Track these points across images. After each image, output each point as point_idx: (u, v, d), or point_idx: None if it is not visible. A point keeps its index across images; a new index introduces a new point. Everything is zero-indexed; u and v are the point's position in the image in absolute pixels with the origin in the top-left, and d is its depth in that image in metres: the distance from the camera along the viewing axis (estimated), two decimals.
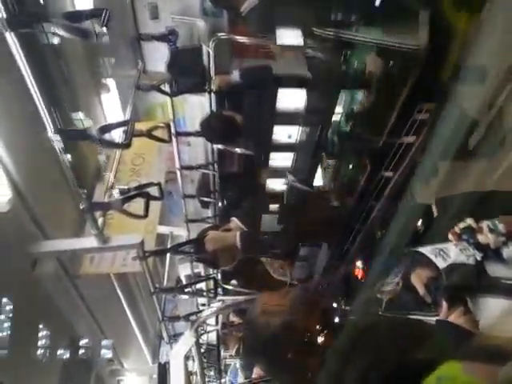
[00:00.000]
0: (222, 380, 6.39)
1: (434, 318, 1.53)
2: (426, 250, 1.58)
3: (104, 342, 4.50)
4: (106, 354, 4.67)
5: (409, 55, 2.94)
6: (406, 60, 3.00)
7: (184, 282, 5.85)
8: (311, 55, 3.37)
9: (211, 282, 3.84)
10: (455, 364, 0.85)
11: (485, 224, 1.48)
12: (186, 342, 3.13)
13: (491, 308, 1.41)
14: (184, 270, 6.27)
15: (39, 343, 3.10)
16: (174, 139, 3.57)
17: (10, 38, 1.44)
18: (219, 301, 3.59)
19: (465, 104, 3.21)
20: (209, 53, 3.52)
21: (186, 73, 3.71)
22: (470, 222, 1.52)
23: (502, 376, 0.84)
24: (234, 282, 4.30)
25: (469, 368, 0.87)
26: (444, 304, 1.45)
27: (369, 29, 2.98)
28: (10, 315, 2.67)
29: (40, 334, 3.12)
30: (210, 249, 2.58)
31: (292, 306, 1.77)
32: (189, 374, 3.91)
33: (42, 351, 3.16)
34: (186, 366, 3.27)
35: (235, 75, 3.47)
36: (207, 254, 2.59)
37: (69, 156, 1.87)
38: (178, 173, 4.01)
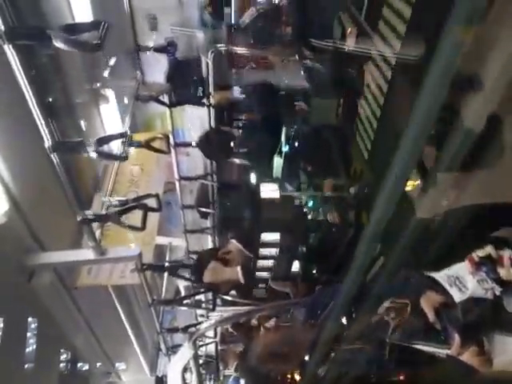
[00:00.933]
0: None
1: (445, 351, 1.44)
2: (441, 276, 1.44)
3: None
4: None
5: (408, 65, 2.97)
6: (404, 70, 3.02)
7: (183, 293, 5.81)
8: (309, 66, 3.39)
9: (210, 294, 3.80)
10: None
11: (506, 255, 1.34)
12: (184, 354, 3.08)
13: (507, 346, 1.33)
14: (183, 281, 6.23)
15: (35, 355, 3.06)
16: (172, 150, 3.56)
17: (9, 50, 1.44)
18: (218, 313, 3.56)
19: (464, 114, 3.22)
20: (208, 64, 3.54)
21: (185, 83, 3.72)
22: (489, 250, 1.37)
23: None
24: (233, 293, 4.26)
25: None
26: (457, 339, 1.35)
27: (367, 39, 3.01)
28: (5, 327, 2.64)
29: (36, 346, 3.09)
30: (209, 280, 2.58)
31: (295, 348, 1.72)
32: None
33: (39, 363, 3.12)
34: (183, 379, 3.23)
35: (235, 92, 3.48)
36: (205, 284, 2.59)
37: (66, 167, 1.86)
38: (177, 183, 4.00)
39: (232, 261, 2.58)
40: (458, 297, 1.36)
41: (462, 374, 1.24)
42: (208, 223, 4.73)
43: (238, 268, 2.48)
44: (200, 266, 2.55)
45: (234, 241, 2.69)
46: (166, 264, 3.53)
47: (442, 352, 1.43)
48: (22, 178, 2.54)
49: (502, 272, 1.31)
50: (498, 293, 1.32)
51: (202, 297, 4.61)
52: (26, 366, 2.97)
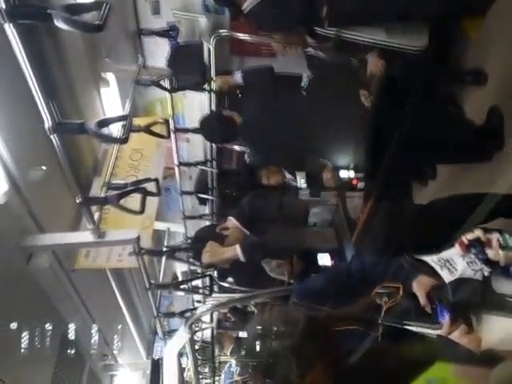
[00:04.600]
0: (216, 377, 6.40)
1: (435, 332, 1.47)
2: (432, 259, 1.50)
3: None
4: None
5: (410, 56, 2.95)
6: (407, 61, 3.00)
7: (180, 279, 5.85)
8: (312, 54, 3.38)
9: (207, 279, 3.84)
10: (445, 365, 0.85)
11: (495, 237, 1.40)
12: (180, 338, 3.12)
13: (495, 326, 1.36)
14: (180, 266, 6.27)
15: (32, 337, 3.08)
16: (172, 135, 3.56)
17: (9, 30, 1.43)
18: (214, 298, 3.59)
19: (465, 107, 3.22)
20: (210, 49, 3.52)
21: (187, 69, 3.71)
22: (478, 233, 1.43)
23: (493, 378, 0.84)
24: (230, 279, 4.30)
25: (460, 370, 0.87)
26: (447, 319, 1.40)
27: (371, 29, 2.99)
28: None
29: (33, 329, 3.11)
30: (207, 261, 2.60)
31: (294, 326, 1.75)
32: (182, 371, 3.91)
33: (35, 345, 3.15)
34: (179, 362, 3.27)
35: (237, 76, 3.47)
36: (204, 264, 2.61)
37: (66, 150, 1.86)
38: (177, 169, 4.00)
39: (229, 237, 2.60)
40: (447, 278, 1.42)
41: (452, 353, 1.27)
42: (207, 209, 4.75)
43: (237, 246, 2.50)
44: (199, 248, 2.57)
45: (232, 218, 2.71)
46: (165, 248, 3.57)
47: (432, 333, 1.47)
48: (22, 159, 2.54)
49: (491, 253, 1.37)
50: (486, 273, 1.37)
51: (199, 282, 4.65)
52: (23, 348, 3.00)
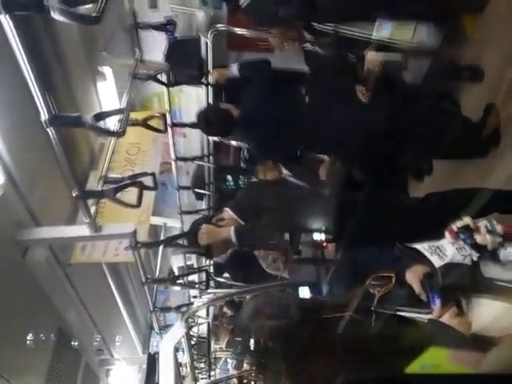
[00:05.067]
0: (212, 372, 6.42)
1: (426, 316, 1.53)
2: (423, 246, 1.55)
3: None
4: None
5: (405, 52, 2.96)
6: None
7: (176, 274, 5.87)
8: (310, 49, 3.38)
9: (203, 274, 3.85)
10: (440, 351, 0.86)
11: (482, 224, 1.46)
12: (176, 332, 3.13)
13: (484, 309, 1.41)
14: (177, 262, 6.28)
15: (28, 331, 3.08)
16: (169, 130, 3.56)
17: (5, 21, 1.42)
18: (210, 293, 3.61)
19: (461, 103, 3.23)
20: (207, 44, 3.52)
21: (184, 63, 3.70)
22: (467, 220, 1.49)
23: (486, 363, 0.85)
24: (226, 274, 4.31)
25: (454, 355, 0.88)
26: (438, 302, 1.44)
27: (367, 25, 2.99)
28: None
29: (29, 322, 3.11)
30: (203, 242, 2.59)
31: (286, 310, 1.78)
32: (178, 365, 3.92)
33: (31, 339, 3.14)
34: (175, 356, 3.28)
35: (233, 69, 3.46)
36: (200, 247, 2.61)
37: (62, 143, 1.85)
38: (173, 164, 4.00)
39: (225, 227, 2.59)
40: (437, 263, 1.48)
41: (444, 337, 1.30)
42: (204, 205, 4.75)
43: (232, 228, 2.51)
44: (194, 232, 2.56)
45: (228, 209, 2.70)
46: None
47: (424, 317, 1.54)
48: (18, 152, 2.53)
49: (479, 238, 1.43)
50: (475, 258, 1.43)
51: (195, 277, 4.66)
52: (18, 343, 2.99)
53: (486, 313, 1.39)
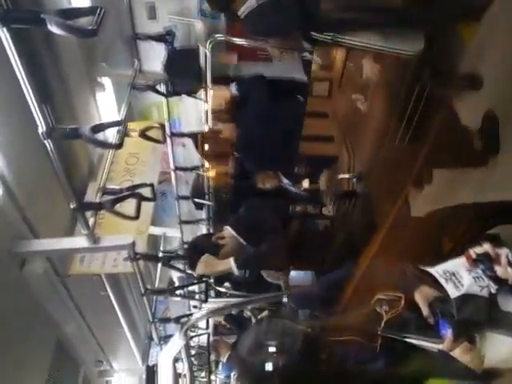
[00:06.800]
0: (212, 383, 6.36)
1: (436, 346, 1.45)
2: (437, 271, 1.43)
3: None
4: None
5: (405, 61, 2.96)
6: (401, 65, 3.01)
7: (176, 284, 5.83)
8: (308, 59, 3.38)
9: (203, 285, 3.82)
10: (441, 382, 0.84)
11: (504, 253, 1.34)
12: (175, 344, 3.10)
13: (500, 345, 1.33)
14: (176, 272, 6.24)
15: (26, 343, 3.05)
16: (168, 140, 3.55)
17: (3, 34, 1.42)
18: (211, 304, 3.58)
19: (461, 112, 3.22)
20: (206, 54, 3.52)
21: (183, 74, 3.70)
22: (487, 247, 1.37)
23: None
24: (227, 284, 4.28)
25: None
26: (450, 334, 1.36)
27: (367, 33, 3.00)
28: None
29: (27, 334, 3.08)
30: (201, 272, 2.61)
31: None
32: (177, 376, 3.88)
33: (29, 351, 3.12)
34: (174, 368, 3.25)
35: (233, 89, 3.47)
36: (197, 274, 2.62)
37: (60, 154, 1.84)
38: (172, 174, 3.99)
39: (226, 246, 2.58)
40: (452, 292, 1.36)
41: (450, 370, 1.25)
42: (203, 214, 4.73)
43: (231, 258, 2.49)
44: (194, 259, 2.56)
45: (228, 227, 2.69)
46: (160, 254, 3.56)
47: (433, 347, 1.44)
48: (15, 163, 2.52)
49: (499, 270, 1.31)
50: (493, 291, 1.32)
51: (195, 288, 4.63)
52: (17, 354, 2.97)
53: (502, 349, 1.32)
